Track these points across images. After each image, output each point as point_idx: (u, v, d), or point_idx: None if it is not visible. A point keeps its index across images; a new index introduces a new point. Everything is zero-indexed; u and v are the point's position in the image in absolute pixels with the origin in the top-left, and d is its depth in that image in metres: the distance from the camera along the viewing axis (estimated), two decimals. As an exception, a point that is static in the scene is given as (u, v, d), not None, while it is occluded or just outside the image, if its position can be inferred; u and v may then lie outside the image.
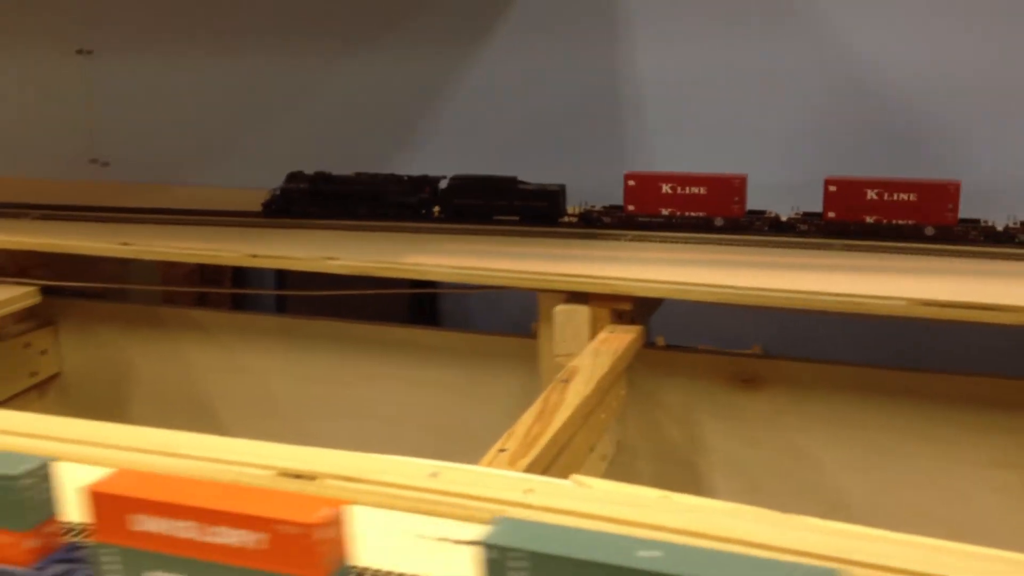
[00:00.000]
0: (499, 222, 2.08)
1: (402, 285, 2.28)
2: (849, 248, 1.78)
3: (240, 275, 2.86)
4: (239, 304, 2.84)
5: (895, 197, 1.71)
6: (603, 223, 1.98)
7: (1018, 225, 1.77)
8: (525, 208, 2.08)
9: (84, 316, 2.35)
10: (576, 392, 1.45)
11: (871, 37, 2.03)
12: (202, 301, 2.78)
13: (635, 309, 1.73)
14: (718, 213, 1.85)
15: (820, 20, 2.05)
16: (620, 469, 1.77)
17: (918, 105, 2.03)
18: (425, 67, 2.37)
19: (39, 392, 2.37)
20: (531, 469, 1.23)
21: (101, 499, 0.76)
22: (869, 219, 1.75)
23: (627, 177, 1.91)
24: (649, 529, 0.90)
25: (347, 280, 1.95)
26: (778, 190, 1.87)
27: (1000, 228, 1.78)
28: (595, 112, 2.26)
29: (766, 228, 1.86)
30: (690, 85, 2.18)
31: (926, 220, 1.73)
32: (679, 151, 2.18)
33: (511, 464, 1.25)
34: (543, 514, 0.93)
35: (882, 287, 1.56)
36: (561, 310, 1.72)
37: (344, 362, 2.20)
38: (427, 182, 2.16)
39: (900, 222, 1.73)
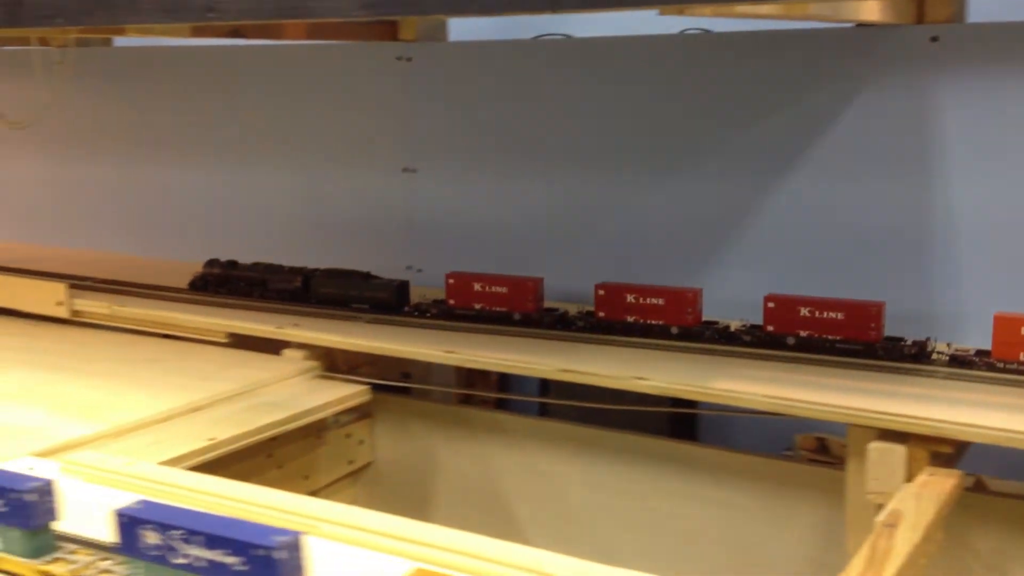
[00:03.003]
0: (358, 309, 2.47)
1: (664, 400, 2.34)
2: None
3: (504, 377, 3.01)
4: (501, 406, 2.99)
5: None
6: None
7: None
8: (373, 298, 2.46)
9: (397, 411, 2.54)
10: (905, 539, 1.45)
11: None
12: (468, 400, 2.93)
13: (954, 452, 1.72)
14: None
15: None
16: (930, 613, 1.74)
17: None
18: (730, 193, 2.46)
19: (352, 479, 2.57)
20: (868, 617, 1.25)
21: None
22: None
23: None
24: None
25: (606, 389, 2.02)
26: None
27: None
28: (901, 246, 2.27)
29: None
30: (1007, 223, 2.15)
31: None
32: (993, 290, 2.15)
33: (849, 610, 1.27)
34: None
35: None
36: (876, 447, 1.73)
37: (641, 475, 2.26)
38: (301, 272, 2.58)
39: None
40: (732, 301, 2.24)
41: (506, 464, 2.44)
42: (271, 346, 2.45)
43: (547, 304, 2.36)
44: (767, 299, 2.09)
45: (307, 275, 2.57)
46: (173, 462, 1.80)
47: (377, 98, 2.90)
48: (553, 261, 2.70)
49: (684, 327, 2.16)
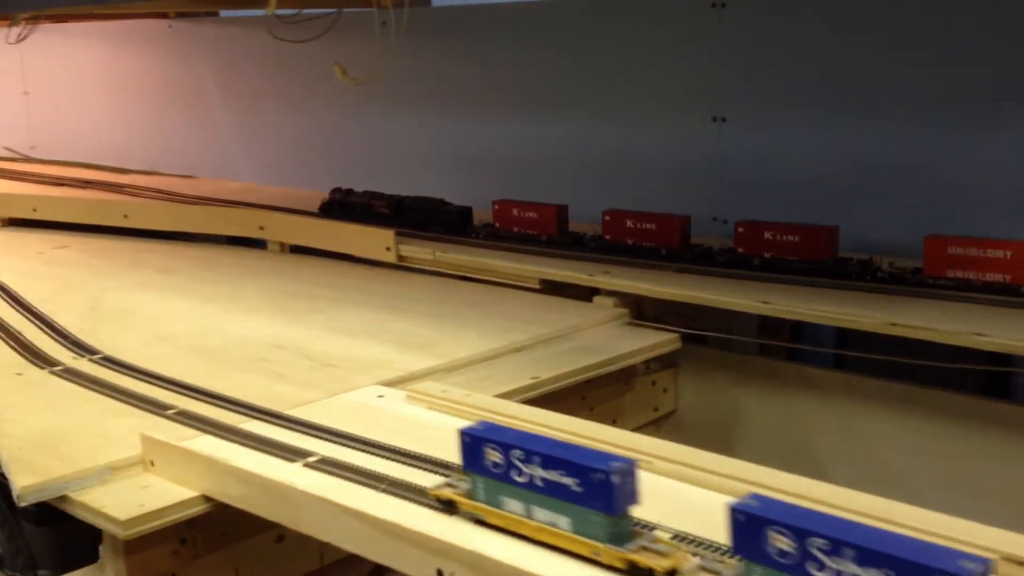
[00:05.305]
0: (434, 230, 2.94)
1: (977, 356, 2.20)
2: None
3: (797, 328, 2.93)
4: (794, 357, 2.91)
5: None
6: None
7: None
8: (445, 221, 2.92)
9: (700, 360, 2.55)
10: None
11: None
12: (763, 351, 2.87)
13: None
14: None
15: None
16: None
17: None
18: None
19: (655, 426, 2.62)
20: None
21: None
22: None
23: None
24: None
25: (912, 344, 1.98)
26: None
27: None
28: None
29: None
30: None
31: None
32: None
33: None
34: None
35: None
36: None
37: (962, 436, 2.16)
38: (393, 199, 3.07)
39: None
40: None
41: (813, 418, 2.40)
42: (581, 293, 2.53)
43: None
44: (737, 224, 2.38)
45: (398, 201, 3.07)
46: (503, 396, 1.91)
47: (689, 46, 2.90)
48: (862, 210, 2.62)
49: (672, 249, 2.50)
